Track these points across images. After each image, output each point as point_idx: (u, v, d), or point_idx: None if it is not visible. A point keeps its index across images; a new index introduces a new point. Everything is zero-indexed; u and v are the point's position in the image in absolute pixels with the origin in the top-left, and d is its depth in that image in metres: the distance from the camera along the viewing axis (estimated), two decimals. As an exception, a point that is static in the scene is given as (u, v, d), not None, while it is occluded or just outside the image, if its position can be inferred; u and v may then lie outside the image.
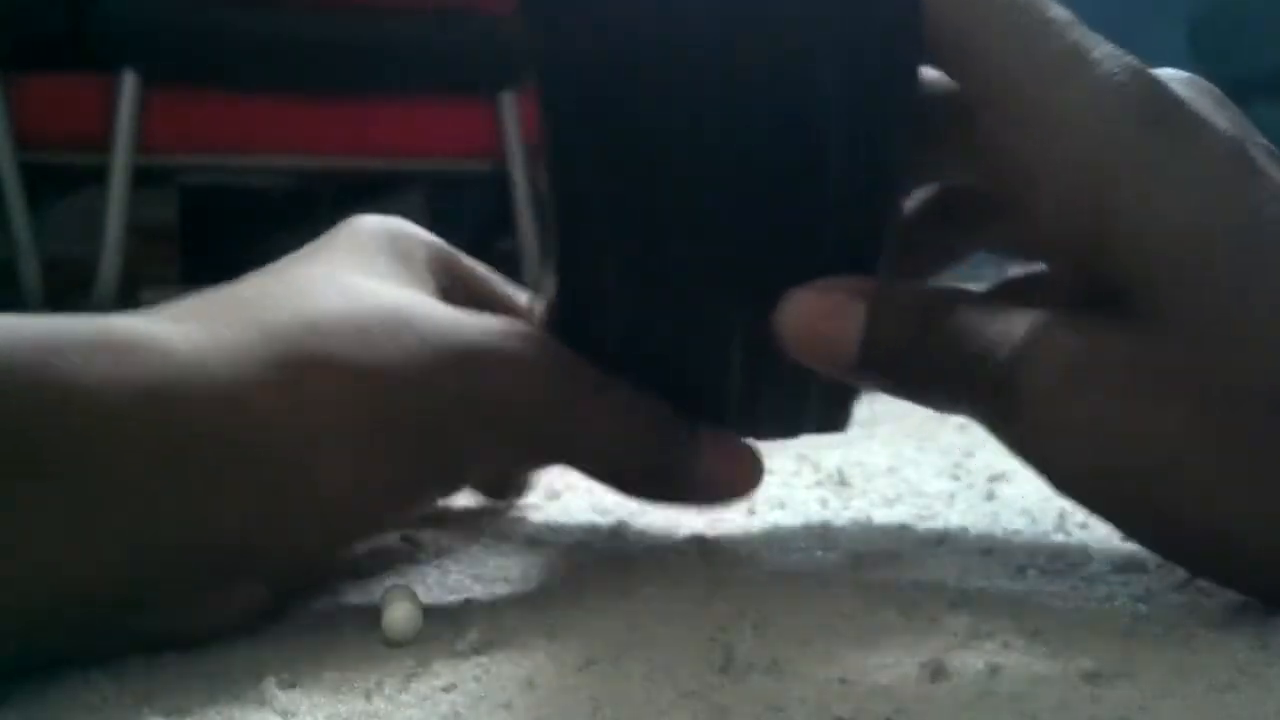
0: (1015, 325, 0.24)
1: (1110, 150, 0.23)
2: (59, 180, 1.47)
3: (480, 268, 0.31)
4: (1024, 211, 0.25)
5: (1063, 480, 0.24)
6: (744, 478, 0.29)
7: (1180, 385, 0.22)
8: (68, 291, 1.38)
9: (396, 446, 0.24)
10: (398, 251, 0.28)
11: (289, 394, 0.23)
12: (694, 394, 0.28)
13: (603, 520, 0.34)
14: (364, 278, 0.26)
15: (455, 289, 0.29)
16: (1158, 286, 0.23)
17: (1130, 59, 0.24)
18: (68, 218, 1.47)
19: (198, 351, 0.23)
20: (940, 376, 0.25)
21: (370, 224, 0.29)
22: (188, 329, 0.23)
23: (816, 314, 0.25)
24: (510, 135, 1.42)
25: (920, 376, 0.25)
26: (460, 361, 0.25)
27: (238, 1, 1.35)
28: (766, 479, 0.39)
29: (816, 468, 0.41)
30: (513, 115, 1.44)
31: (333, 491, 0.23)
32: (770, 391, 0.28)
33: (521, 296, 0.31)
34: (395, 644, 0.23)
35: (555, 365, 0.26)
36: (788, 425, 0.29)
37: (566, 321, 0.27)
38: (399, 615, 0.23)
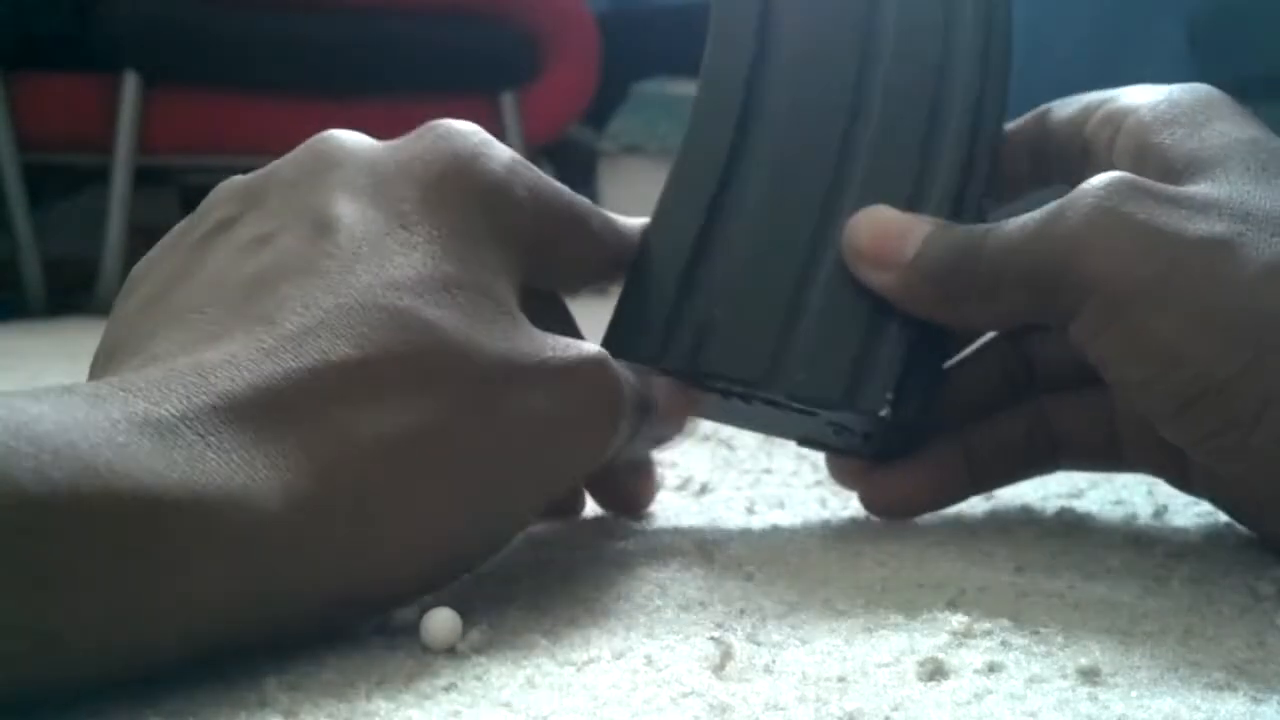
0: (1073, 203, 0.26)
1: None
2: (61, 180, 1.47)
3: (570, 201, 0.28)
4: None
5: (1106, 292, 0.25)
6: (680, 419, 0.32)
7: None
8: (69, 291, 1.38)
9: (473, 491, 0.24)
10: (488, 227, 0.25)
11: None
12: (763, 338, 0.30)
13: (603, 520, 0.34)
14: (435, 306, 0.23)
15: (547, 242, 0.27)
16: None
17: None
18: (69, 218, 1.47)
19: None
20: (987, 264, 0.27)
21: (466, 175, 0.25)
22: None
23: (886, 223, 0.29)
24: (511, 135, 1.42)
25: (969, 274, 0.28)
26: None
27: (239, 3, 1.35)
28: (766, 478, 0.40)
29: (816, 467, 0.41)
30: (514, 115, 1.44)
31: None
32: (833, 342, 0.30)
33: (619, 220, 0.31)
34: (434, 650, 0.23)
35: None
36: (848, 387, 0.30)
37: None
38: (439, 622, 0.23)
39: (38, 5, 1.29)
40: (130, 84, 1.29)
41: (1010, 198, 0.33)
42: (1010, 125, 0.32)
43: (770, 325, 0.30)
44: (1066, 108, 0.31)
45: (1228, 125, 0.28)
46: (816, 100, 0.31)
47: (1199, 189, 0.26)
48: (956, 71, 0.31)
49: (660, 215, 0.31)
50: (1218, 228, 0.25)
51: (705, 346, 0.30)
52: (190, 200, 1.75)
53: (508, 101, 1.42)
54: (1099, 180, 0.26)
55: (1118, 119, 0.29)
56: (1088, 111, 0.30)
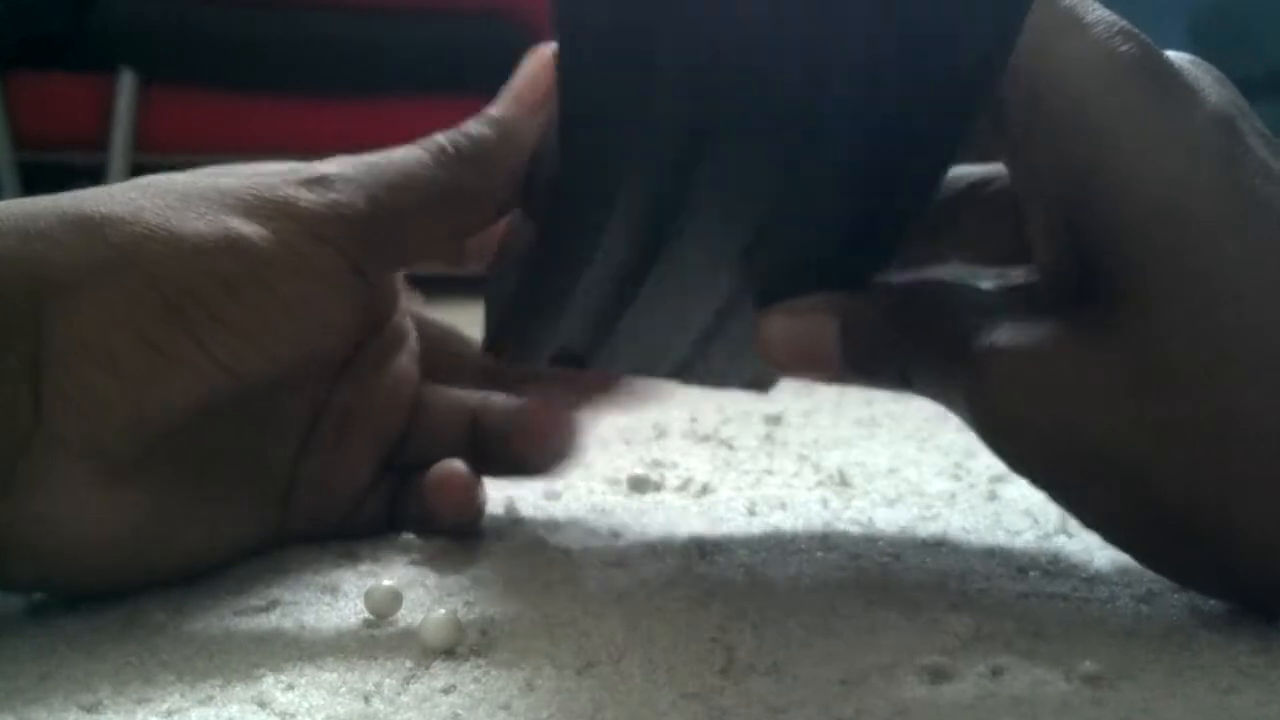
0: (982, 321, 0.24)
1: (1098, 107, 0.23)
2: (57, 179, 1.46)
3: None
4: (1018, 175, 0.25)
5: (1019, 464, 0.24)
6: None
7: (1138, 383, 0.22)
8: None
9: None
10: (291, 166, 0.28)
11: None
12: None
13: (603, 520, 0.34)
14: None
15: None
16: (1133, 267, 0.22)
17: (1126, 24, 0.24)
18: (66, 217, 1.47)
19: (144, 217, 0.24)
20: (916, 369, 0.26)
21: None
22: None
23: (796, 333, 0.27)
24: (510, 135, 1.42)
25: (898, 373, 0.26)
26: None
27: (236, 2, 1.35)
28: (768, 479, 0.40)
29: (817, 468, 0.41)
30: (513, 115, 1.43)
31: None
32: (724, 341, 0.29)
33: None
34: (433, 652, 0.23)
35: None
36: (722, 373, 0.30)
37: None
38: (438, 624, 0.23)
39: (34, 4, 1.29)
40: (126, 82, 1.29)
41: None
42: None
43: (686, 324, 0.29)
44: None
45: (1202, 206, 0.22)
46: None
47: (1120, 358, 0.22)
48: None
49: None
50: (1124, 413, 0.22)
51: (609, 342, 0.29)
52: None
53: (507, 101, 1.42)
54: (1001, 371, 0.23)
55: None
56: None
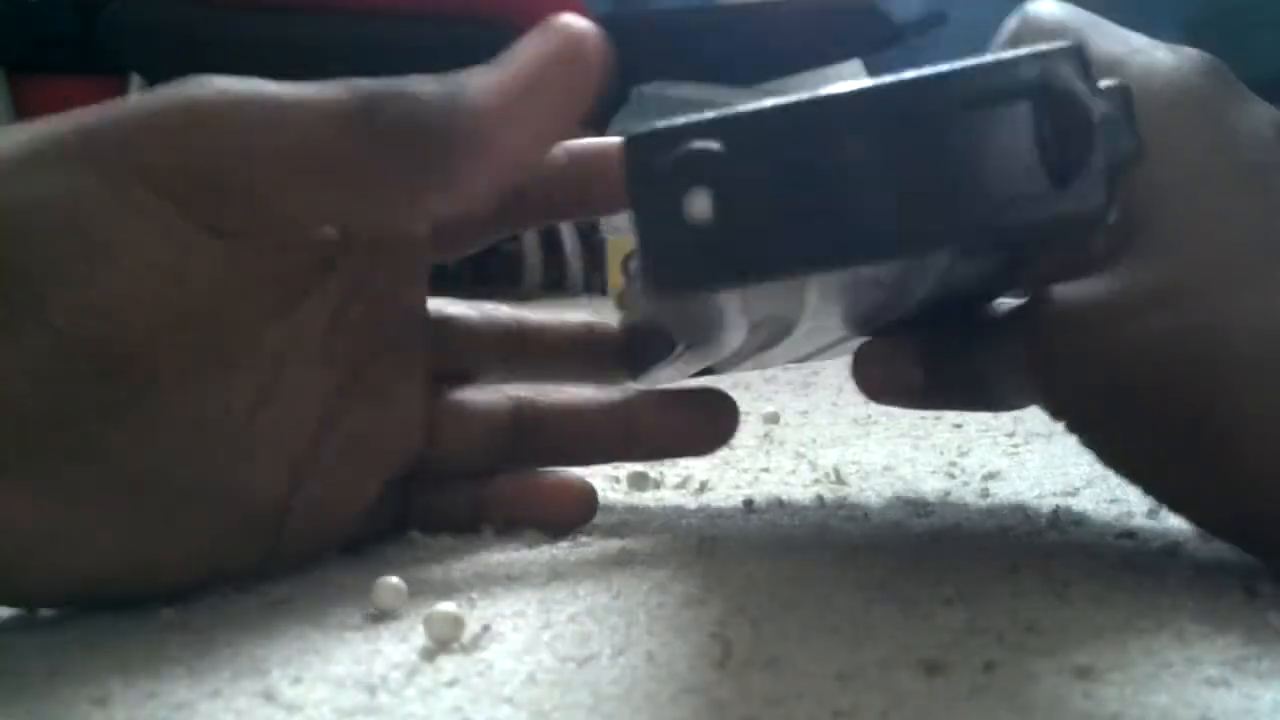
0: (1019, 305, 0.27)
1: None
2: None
3: None
4: None
5: (1072, 413, 0.26)
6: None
7: (1152, 301, 0.24)
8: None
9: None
10: None
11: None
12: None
13: (602, 517, 0.34)
14: None
15: None
16: (1148, 206, 0.24)
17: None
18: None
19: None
20: (985, 378, 0.28)
21: None
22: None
23: (887, 375, 0.30)
24: (512, 137, 1.42)
25: (974, 384, 0.29)
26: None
27: (243, 5, 1.35)
28: (765, 477, 0.40)
29: (814, 466, 0.41)
30: (514, 117, 1.44)
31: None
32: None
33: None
34: (437, 646, 0.23)
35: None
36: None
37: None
38: (442, 618, 0.23)
39: (42, 8, 1.29)
40: (134, 87, 1.29)
41: None
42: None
43: None
44: (1038, 35, 0.28)
45: (1188, 140, 0.25)
46: None
47: (1126, 286, 0.24)
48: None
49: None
50: (1141, 332, 0.24)
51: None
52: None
53: (509, 103, 1.42)
54: (1039, 320, 0.25)
55: None
56: None
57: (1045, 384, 0.26)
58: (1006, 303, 0.28)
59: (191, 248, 0.23)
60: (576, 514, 0.32)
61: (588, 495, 0.32)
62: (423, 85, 0.23)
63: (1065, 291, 0.25)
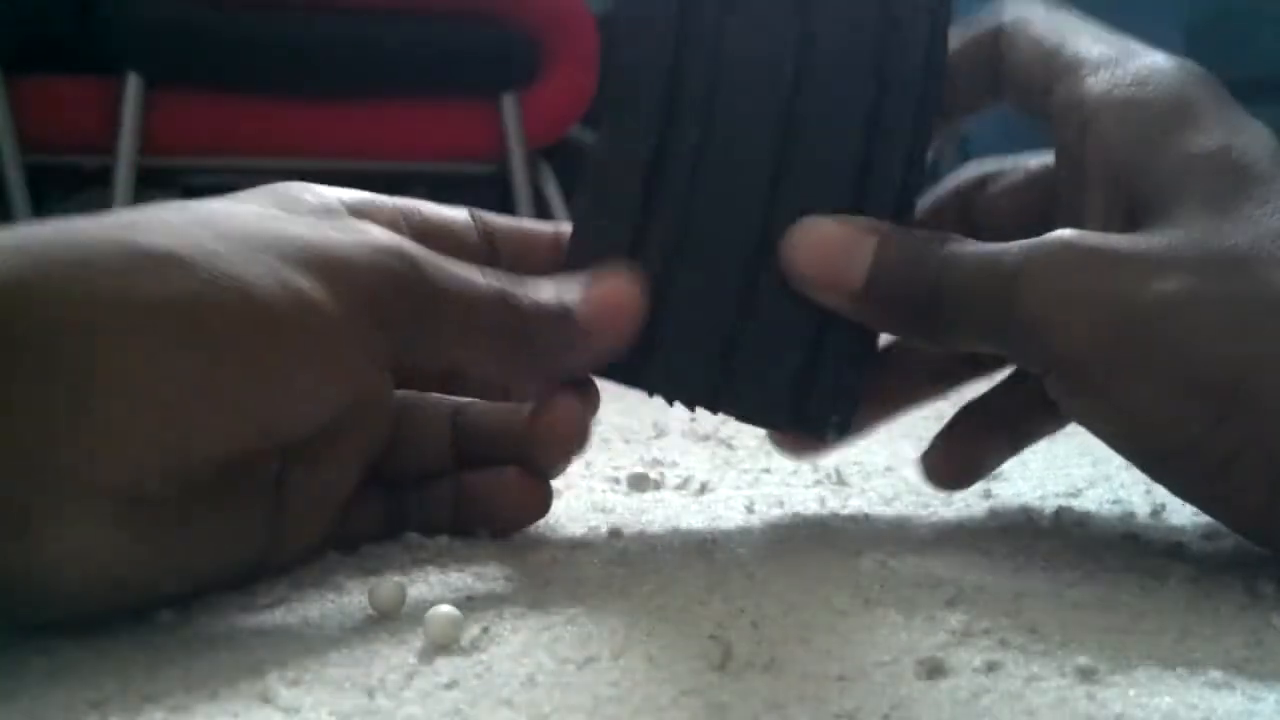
0: (1016, 244, 0.26)
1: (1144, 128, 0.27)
2: (63, 182, 1.47)
3: (438, 212, 0.31)
4: (1077, 167, 0.28)
5: (1066, 365, 0.26)
6: (617, 318, 0.29)
7: (1176, 260, 0.25)
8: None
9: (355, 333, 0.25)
10: (324, 201, 0.28)
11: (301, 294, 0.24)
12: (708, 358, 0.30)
13: (602, 518, 0.34)
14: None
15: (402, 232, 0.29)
16: (1173, 197, 0.26)
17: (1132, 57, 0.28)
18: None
19: (211, 262, 0.24)
20: (942, 300, 0.27)
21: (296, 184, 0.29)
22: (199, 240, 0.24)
23: (829, 240, 0.28)
24: (512, 137, 1.42)
25: (924, 303, 0.27)
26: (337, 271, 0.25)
27: (241, 4, 1.35)
28: (766, 478, 0.40)
29: (815, 467, 0.41)
30: (514, 118, 1.44)
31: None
32: (776, 358, 0.29)
33: (463, 220, 0.32)
34: (435, 647, 0.23)
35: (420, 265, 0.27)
36: (792, 407, 0.30)
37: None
38: (441, 619, 0.23)
39: (40, 7, 1.29)
40: (132, 86, 1.29)
41: (960, 113, 0.32)
42: (958, 39, 0.31)
43: (712, 342, 0.29)
44: (1022, 43, 0.30)
45: (1193, 135, 0.26)
46: (748, 107, 0.30)
47: (1154, 241, 0.25)
48: (895, 72, 0.30)
49: (580, 235, 0.30)
50: (1172, 285, 0.25)
51: (649, 363, 0.29)
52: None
53: (508, 103, 1.42)
54: (1053, 247, 0.26)
55: (1085, 113, 0.28)
56: (1049, 70, 0.29)
57: (1047, 330, 0.25)
58: (989, 247, 0.27)
59: (378, 362, 0.27)
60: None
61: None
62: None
63: (1084, 239, 0.26)
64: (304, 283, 0.25)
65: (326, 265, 0.25)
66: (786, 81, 0.29)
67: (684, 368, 0.30)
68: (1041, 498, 0.36)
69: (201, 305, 0.23)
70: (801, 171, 0.29)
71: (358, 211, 0.29)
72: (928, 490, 0.37)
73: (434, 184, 1.68)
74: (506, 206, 1.48)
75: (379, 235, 0.27)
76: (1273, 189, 0.25)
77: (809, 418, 0.30)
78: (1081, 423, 0.27)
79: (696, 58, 0.30)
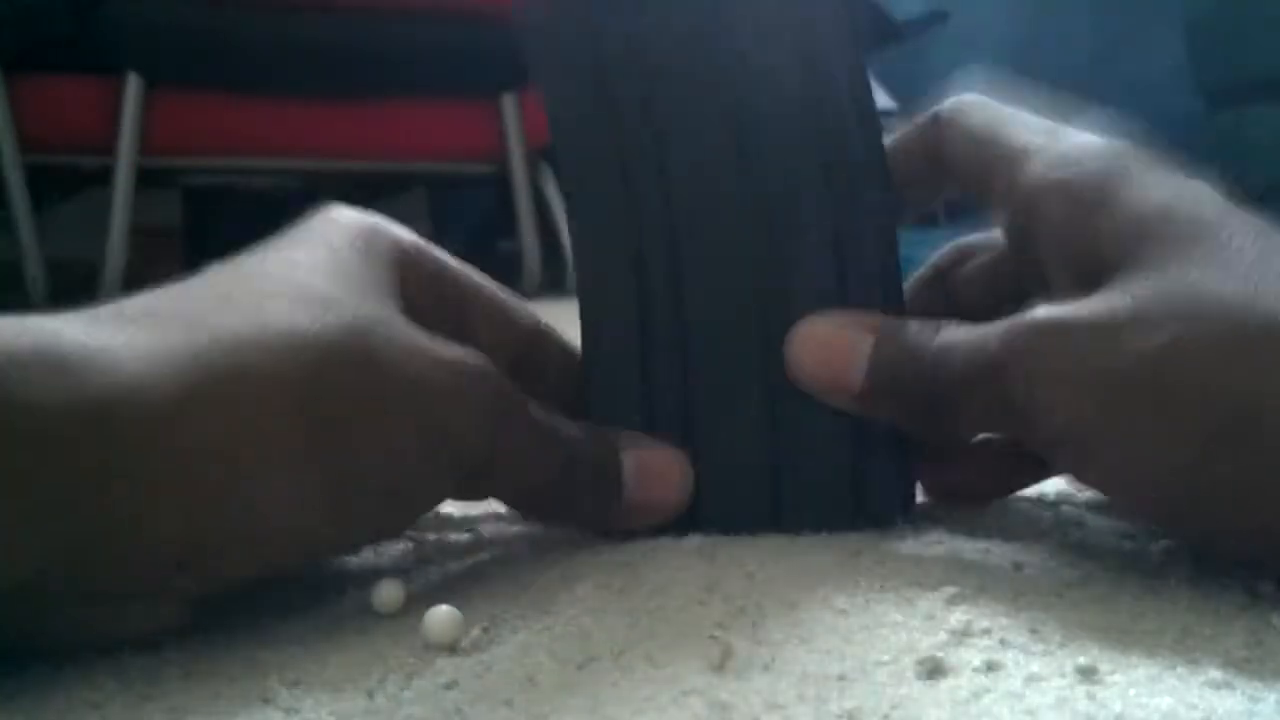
0: (996, 329, 0.26)
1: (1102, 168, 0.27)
2: (63, 182, 1.47)
3: (455, 266, 0.30)
4: (1033, 246, 0.28)
5: (1067, 444, 0.26)
6: (667, 492, 0.29)
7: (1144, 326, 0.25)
8: (71, 292, 1.38)
9: (334, 473, 0.24)
10: (367, 251, 0.27)
11: (226, 412, 0.22)
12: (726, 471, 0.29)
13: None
14: (325, 280, 0.25)
15: (426, 289, 0.29)
16: (1134, 259, 0.25)
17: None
18: (72, 219, 1.47)
19: (139, 364, 0.22)
20: (941, 397, 0.27)
21: (344, 218, 0.28)
22: (133, 338, 0.22)
23: (827, 344, 0.29)
24: (512, 137, 1.42)
25: (923, 401, 0.28)
26: (406, 395, 0.25)
27: (241, 5, 1.35)
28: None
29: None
30: (514, 117, 1.44)
31: (266, 509, 0.23)
32: (823, 463, 0.29)
33: (493, 291, 0.31)
34: (435, 648, 0.23)
35: (490, 396, 0.26)
36: (855, 505, 0.30)
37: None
38: (441, 619, 0.23)
39: (39, 7, 1.29)
40: (132, 85, 1.29)
41: (911, 205, 0.33)
42: (897, 134, 0.31)
43: (756, 470, 0.29)
44: (958, 137, 0.30)
45: (1138, 194, 0.26)
46: (715, 233, 0.29)
47: (1120, 300, 0.25)
48: (843, 150, 0.29)
49: (595, 378, 0.30)
50: (1150, 341, 0.24)
51: (700, 506, 0.29)
52: (193, 202, 1.74)
53: (508, 103, 1.42)
54: (1022, 330, 0.26)
55: (1025, 200, 0.28)
56: (985, 165, 0.29)
57: (1038, 413, 0.25)
58: (974, 335, 0.27)
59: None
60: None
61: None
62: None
63: (1051, 316, 0.25)
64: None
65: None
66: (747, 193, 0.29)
67: (736, 503, 0.29)
68: (1041, 497, 0.36)
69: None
70: (783, 272, 0.29)
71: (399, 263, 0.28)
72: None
73: (435, 183, 1.68)
74: (506, 205, 1.48)
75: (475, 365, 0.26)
76: (1225, 230, 0.25)
77: (873, 511, 0.30)
78: (1105, 493, 0.27)
79: (653, 232, 0.29)
